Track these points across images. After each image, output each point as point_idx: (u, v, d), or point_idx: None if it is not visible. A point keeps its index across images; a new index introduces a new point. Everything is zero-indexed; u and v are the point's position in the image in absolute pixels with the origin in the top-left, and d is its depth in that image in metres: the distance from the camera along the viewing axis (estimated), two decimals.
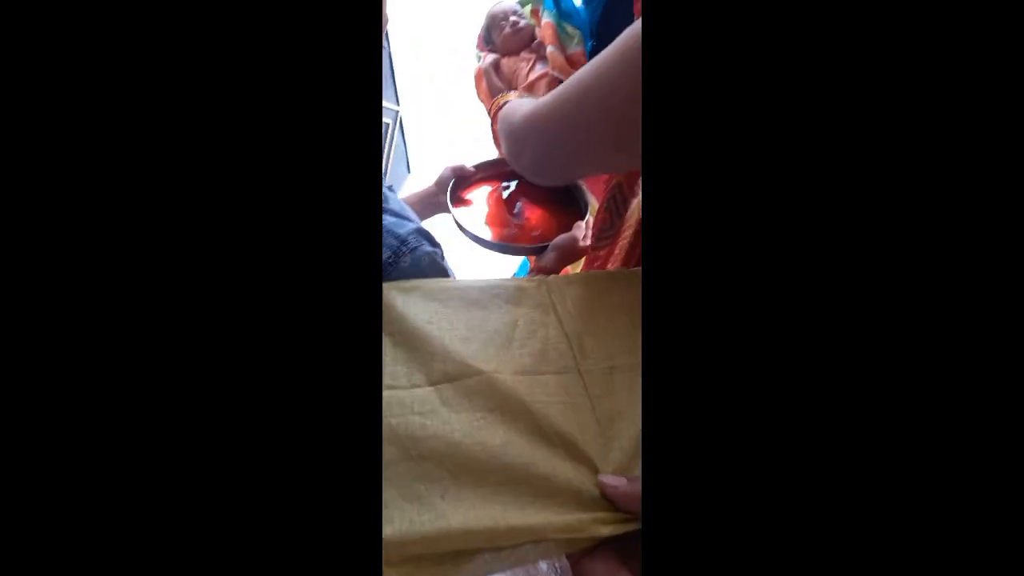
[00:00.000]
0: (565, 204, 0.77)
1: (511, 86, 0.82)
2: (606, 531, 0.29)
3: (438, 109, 2.21)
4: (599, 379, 0.37)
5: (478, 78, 0.85)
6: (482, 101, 0.89)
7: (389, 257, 0.43)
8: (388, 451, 0.30)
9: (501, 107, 0.64)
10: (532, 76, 0.80)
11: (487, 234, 0.77)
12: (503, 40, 0.81)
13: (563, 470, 0.31)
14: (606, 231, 0.60)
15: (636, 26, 0.35)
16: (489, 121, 0.72)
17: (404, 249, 0.44)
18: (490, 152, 0.85)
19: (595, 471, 0.32)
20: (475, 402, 0.34)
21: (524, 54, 0.81)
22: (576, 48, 0.74)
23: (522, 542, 0.28)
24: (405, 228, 0.45)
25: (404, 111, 1.41)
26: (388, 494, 0.28)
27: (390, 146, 1.14)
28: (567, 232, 0.70)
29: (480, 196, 0.86)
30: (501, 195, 0.81)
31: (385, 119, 1.19)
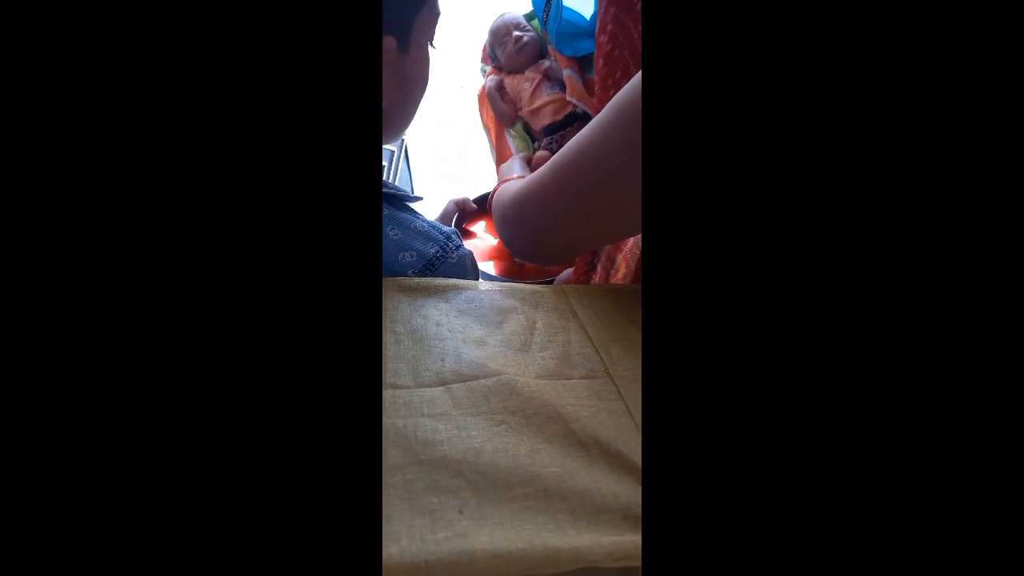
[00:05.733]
0: None
1: (516, 108, 0.79)
2: None
3: (443, 138, 2.26)
4: (633, 386, 0.32)
5: (482, 100, 0.83)
6: (486, 125, 0.87)
7: (437, 252, 0.42)
8: (392, 454, 0.24)
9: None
10: (537, 102, 0.78)
11: (490, 268, 0.75)
12: (507, 57, 0.76)
13: (605, 483, 0.25)
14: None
15: (615, 103, 0.34)
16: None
17: (451, 246, 0.43)
18: (493, 184, 0.82)
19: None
20: (493, 404, 0.29)
21: (528, 72, 0.77)
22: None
23: (565, 571, 0.22)
24: (447, 229, 0.45)
25: (409, 139, 1.41)
26: (393, 506, 0.22)
27: (395, 174, 1.12)
28: (569, 267, 0.67)
29: (483, 229, 0.83)
30: None
31: (391, 147, 1.18)
